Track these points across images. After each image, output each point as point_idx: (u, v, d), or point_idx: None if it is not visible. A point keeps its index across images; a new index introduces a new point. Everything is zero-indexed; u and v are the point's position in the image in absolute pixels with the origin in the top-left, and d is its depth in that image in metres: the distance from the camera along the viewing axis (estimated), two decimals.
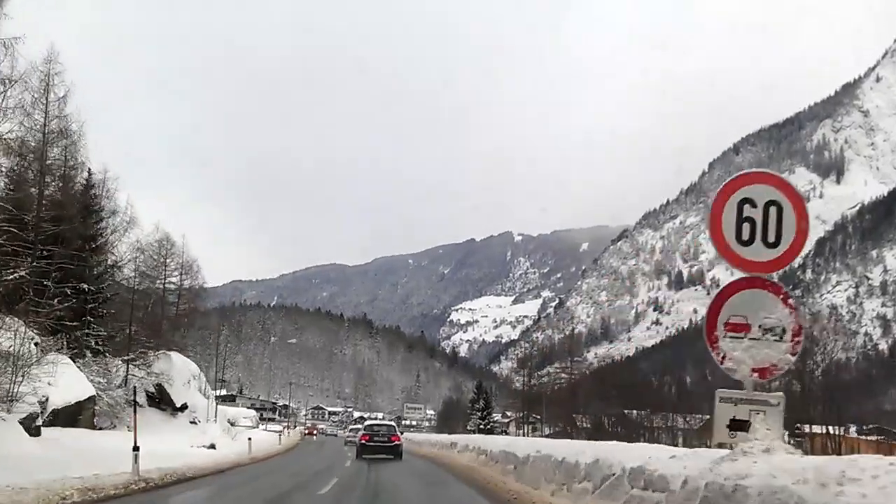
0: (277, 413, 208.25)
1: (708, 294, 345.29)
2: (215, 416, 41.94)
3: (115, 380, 33.45)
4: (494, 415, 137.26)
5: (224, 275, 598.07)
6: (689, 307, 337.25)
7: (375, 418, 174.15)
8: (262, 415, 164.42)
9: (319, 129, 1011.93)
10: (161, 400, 36.35)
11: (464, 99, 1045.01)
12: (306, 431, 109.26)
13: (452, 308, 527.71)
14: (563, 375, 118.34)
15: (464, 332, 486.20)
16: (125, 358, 33.71)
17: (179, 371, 38.23)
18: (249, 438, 30.76)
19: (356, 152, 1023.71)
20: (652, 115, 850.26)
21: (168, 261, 56.31)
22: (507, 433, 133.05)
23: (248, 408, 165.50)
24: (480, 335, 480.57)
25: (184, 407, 37.15)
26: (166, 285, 56.32)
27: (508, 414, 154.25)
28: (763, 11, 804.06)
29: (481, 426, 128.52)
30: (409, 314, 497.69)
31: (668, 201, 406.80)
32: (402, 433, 44.10)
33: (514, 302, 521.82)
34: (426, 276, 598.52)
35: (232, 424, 51.58)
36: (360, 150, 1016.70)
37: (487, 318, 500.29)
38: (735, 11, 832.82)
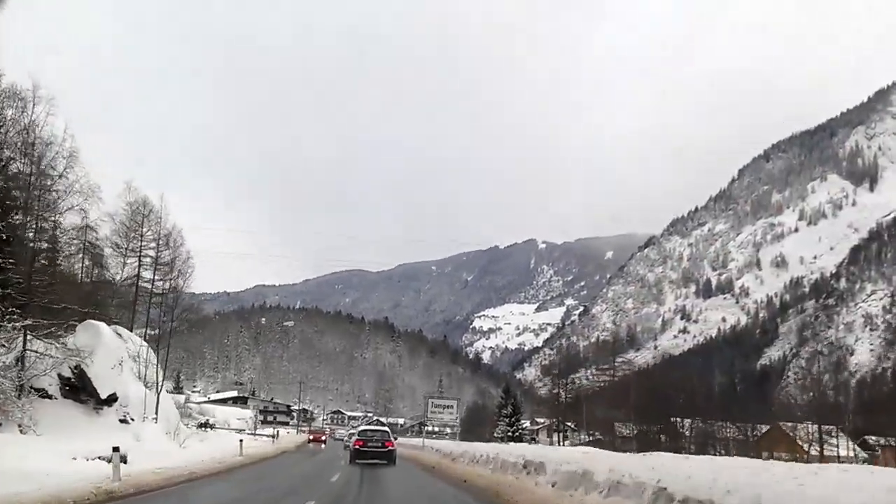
0: (297, 417, 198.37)
1: (737, 303, 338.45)
2: (156, 413, 30.13)
3: (3, 356, 22.40)
4: (523, 421, 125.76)
5: (247, 280, 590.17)
6: (718, 315, 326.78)
7: (397, 423, 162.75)
8: (275, 418, 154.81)
9: (343, 136, 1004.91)
10: (82, 388, 25.19)
11: (488, 105, 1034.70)
12: (310, 437, 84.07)
13: (475, 315, 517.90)
14: (604, 378, 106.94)
15: (486, 339, 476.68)
16: (21, 324, 22.55)
17: (109, 348, 26.70)
18: (116, 448, 17.32)
19: (379, 159, 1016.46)
20: (678, 124, 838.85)
21: (145, 230, 45.62)
22: (535, 441, 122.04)
23: (262, 410, 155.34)
24: (503, 342, 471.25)
25: (112, 399, 25.75)
26: (142, 258, 45.59)
27: (538, 420, 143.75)
28: (789, 17, 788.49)
29: (509, 433, 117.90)
30: (432, 321, 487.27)
31: (696, 208, 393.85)
32: (422, 442, 38.62)
33: (538, 310, 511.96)
34: (449, 282, 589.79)
35: (207, 426, 40.86)
36: (384, 156, 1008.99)
37: (510, 326, 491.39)
38: (764, 16, 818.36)
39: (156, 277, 45.00)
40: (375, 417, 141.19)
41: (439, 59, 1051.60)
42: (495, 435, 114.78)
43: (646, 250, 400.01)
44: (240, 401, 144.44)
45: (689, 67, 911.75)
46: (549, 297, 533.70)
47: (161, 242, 45.27)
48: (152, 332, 48.61)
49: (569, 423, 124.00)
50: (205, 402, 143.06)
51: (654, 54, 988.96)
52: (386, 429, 45.47)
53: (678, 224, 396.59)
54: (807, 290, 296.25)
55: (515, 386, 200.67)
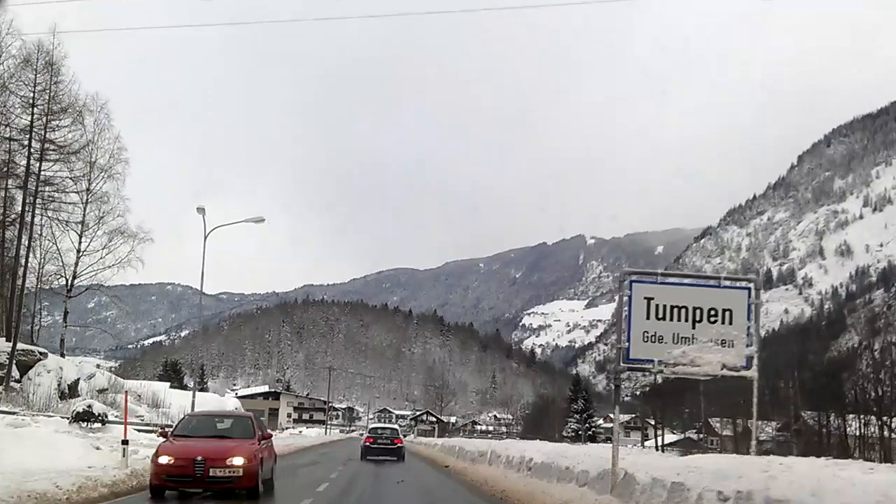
0: (342, 416, 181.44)
1: (800, 293, 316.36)
2: None
3: None
4: (596, 418, 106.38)
5: (295, 280, 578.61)
6: (780, 307, 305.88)
7: (448, 422, 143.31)
8: (311, 416, 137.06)
9: (390, 134, 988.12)
10: None
11: (536, 101, 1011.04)
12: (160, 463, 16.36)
13: (524, 312, 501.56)
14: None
15: (536, 337, 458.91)
16: None
17: None
18: None
19: (426, 156, 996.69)
20: (730, 115, 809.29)
21: (37, 94, 26.62)
22: (610, 440, 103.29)
23: (296, 407, 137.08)
24: (553, 340, 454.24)
25: None
26: (32, 142, 26.63)
27: (612, 417, 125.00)
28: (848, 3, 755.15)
29: (580, 431, 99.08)
30: (481, 318, 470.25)
31: (754, 196, 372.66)
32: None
33: (588, 306, 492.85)
34: (497, 280, 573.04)
35: (89, 419, 22.37)
36: (431, 153, 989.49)
37: (560, 323, 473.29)
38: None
39: (44, 167, 25.90)
40: (425, 411, 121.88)
41: (485, 58, 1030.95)
42: (564, 434, 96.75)
43: (702, 241, 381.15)
44: (271, 396, 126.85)
45: (741, 57, 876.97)
46: (599, 293, 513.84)
47: (60, 112, 26.17)
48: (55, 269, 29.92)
49: (649, 420, 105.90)
50: (234, 397, 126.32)
51: (704, 45, 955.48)
52: (395, 426, 46.03)
53: (735, 213, 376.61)
54: (874, 279, 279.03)
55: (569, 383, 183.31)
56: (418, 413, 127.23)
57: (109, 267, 32.26)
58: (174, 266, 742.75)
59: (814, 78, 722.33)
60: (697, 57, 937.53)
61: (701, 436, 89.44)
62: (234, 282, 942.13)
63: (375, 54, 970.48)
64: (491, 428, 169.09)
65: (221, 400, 46.61)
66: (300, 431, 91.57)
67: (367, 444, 35.94)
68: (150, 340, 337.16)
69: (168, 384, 48.97)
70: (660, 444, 77.83)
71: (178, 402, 37.55)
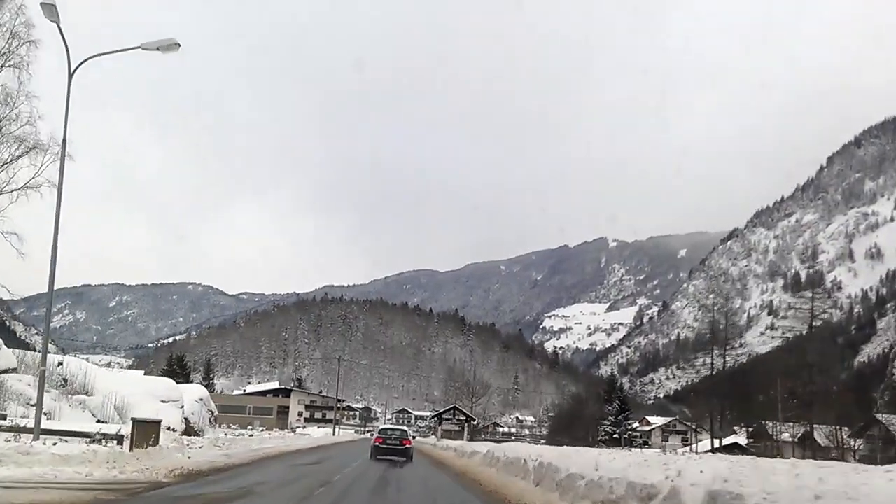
0: (359, 416, 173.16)
1: (829, 297, 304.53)
2: None
3: None
4: (631, 421, 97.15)
5: (316, 281, 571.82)
6: (808, 311, 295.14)
7: (479, 425, 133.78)
8: (324, 414, 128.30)
9: (414, 137, 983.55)
10: None
11: (558, 105, 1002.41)
12: None
13: (545, 315, 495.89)
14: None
15: (557, 339, 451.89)
16: None
17: None
18: None
19: (448, 159, 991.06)
20: (753, 121, 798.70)
21: None
22: (648, 445, 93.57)
23: (309, 405, 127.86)
24: (574, 342, 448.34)
25: None
26: None
27: (650, 420, 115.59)
28: (874, 8, 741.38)
29: (615, 435, 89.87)
30: (502, 320, 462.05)
31: (782, 198, 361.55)
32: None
33: (609, 309, 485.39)
34: (518, 282, 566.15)
35: None
36: (453, 157, 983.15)
37: (581, 326, 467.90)
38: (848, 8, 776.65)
39: None
40: (452, 407, 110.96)
41: (516, 63, 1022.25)
42: (598, 438, 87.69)
43: (728, 243, 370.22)
44: (281, 393, 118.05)
45: (765, 59, 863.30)
46: (620, 297, 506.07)
47: None
48: None
49: (688, 423, 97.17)
50: (240, 394, 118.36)
51: (729, 49, 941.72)
52: (405, 428, 45.30)
53: (763, 215, 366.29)
54: None
55: (596, 385, 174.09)
56: (442, 410, 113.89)
57: (7, 191, 22.86)
58: (195, 266, 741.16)
59: (842, 79, 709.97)
60: (720, 65, 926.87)
61: (750, 441, 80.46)
62: (255, 283, 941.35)
63: (393, 59, 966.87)
64: (513, 430, 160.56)
65: (176, 387, 36.64)
66: (294, 432, 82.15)
67: (377, 444, 35.97)
68: (171, 339, 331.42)
69: (99, 366, 39.96)
70: (716, 445, 68.60)
71: (111, 390, 28.32)
